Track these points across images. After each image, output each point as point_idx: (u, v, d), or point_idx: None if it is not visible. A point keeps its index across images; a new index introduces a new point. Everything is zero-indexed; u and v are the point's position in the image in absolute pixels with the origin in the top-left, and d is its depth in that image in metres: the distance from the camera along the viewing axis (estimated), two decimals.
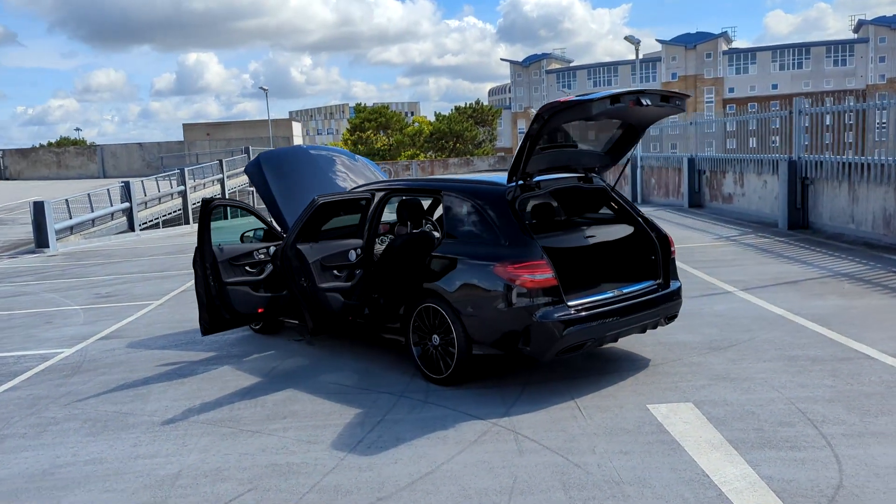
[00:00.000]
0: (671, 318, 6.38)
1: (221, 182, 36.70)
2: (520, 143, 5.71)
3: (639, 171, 24.99)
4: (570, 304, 5.63)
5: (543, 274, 5.53)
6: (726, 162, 18.21)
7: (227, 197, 32.65)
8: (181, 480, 4.63)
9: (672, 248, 6.46)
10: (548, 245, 6.05)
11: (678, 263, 10.68)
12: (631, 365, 6.34)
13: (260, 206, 14.15)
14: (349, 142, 68.83)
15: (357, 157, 9.44)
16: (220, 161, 37.24)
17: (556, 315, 5.51)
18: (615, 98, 5.44)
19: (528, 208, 6.77)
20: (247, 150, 43.18)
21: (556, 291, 5.55)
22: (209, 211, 6.71)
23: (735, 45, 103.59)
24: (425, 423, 5.33)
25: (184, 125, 55.40)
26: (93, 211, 23.23)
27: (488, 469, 4.50)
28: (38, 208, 19.46)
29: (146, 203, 27.63)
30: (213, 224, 6.81)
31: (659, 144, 24.92)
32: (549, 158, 6.16)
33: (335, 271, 6.48)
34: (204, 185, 34.82)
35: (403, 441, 5.02)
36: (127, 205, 24.98)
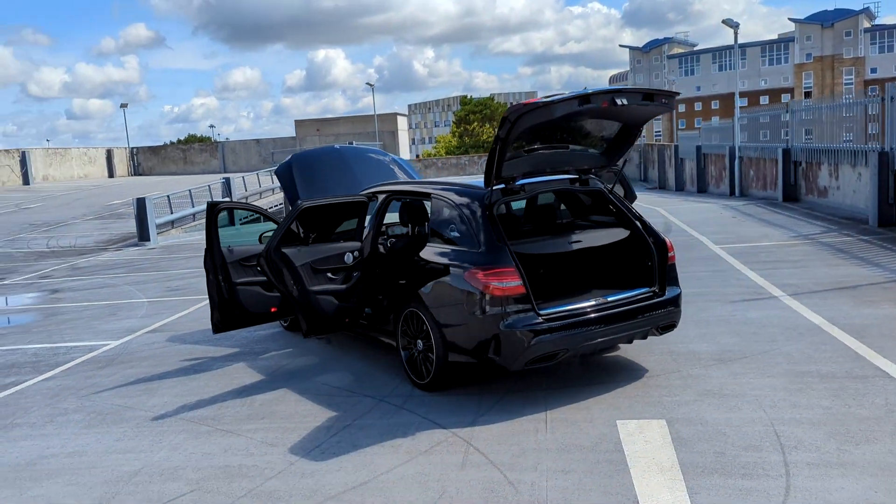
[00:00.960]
0: (666, 327, 6.05)
1: None
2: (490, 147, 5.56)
3: (737, 162, 23.73)
4: (542, 312, 5.45)
5: (511, 281, 5.37)
6: (821, 152, 16.99)
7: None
8: (138, 477, 4.84)
9: (670, 254, 6.10)
10: (528, 251, 5.88)
11: (737, 263, 10.20)
12: (626, 375, 6.06)
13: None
14: (455, 134, 69.26)
15: (389, 155, 9.49)
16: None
17: (524, 324, 5.34)
18: (584, 99, 5.20)
19: (513, 212, 6.60)
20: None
21: (525, 299, 5.38)
22: (215, 214, 6.95)
23: (879, 21, 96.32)
24: (388, 429, 5.31)
25: (295, 121, 57.53)
26: (193, 206, 24.55)
27: (421, 482, 4.44)
28: (140, 204, 20.78)
29: (247, 198, 28.91)
30: (243, 228, 7.05)
31: (768, 133, 23.43)
32: (535, 160, 5.97)
33: (329, 274, 6.56)
34: None
35: (358, 448, 5.04)
36: (227, 199, 26.23)
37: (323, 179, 8.47)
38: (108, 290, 13.14)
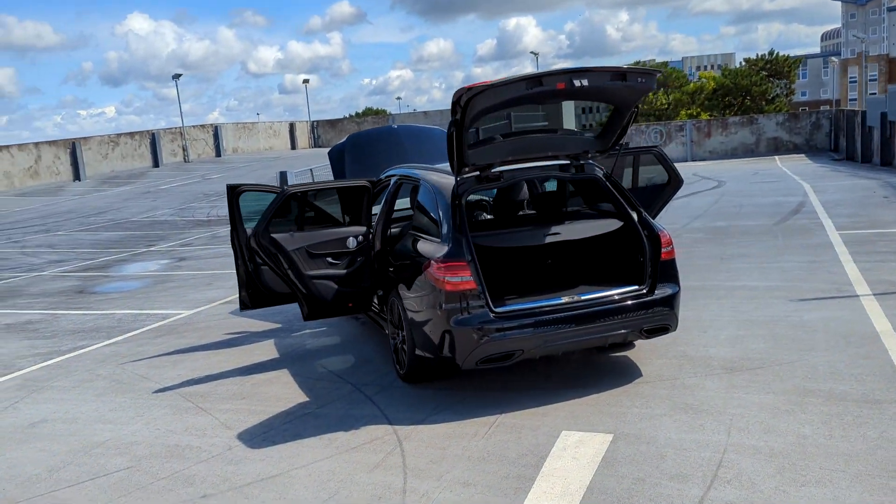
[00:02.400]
0: (654, 331, 5.46)
1: None
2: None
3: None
4: (499, 310, 5.12)
5: (463, 276, 5.10)
6: None
7: None
8: (98, 449, 5.17)
9: (665, 249, 5.48)
10: (499, 244, 5.54)
11: (843, 253, 9.01)
12: (613, 380, 5.57)
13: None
14: None
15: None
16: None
17: (475, 321, 5.06)
18: (535, 80, 4.75)
19: (510, 199, 6.20)
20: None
21: (477, 295, 5.09)
22: (237, 196, 7.17)
23: None
24: (339, 421, 5.28)
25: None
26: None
27: (322, 481, 4.37)
28: (283, 177, 22.01)
29: None
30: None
31: None
32: (515, 146, 5.58)
33: (330, 259, 6.57)
34: None
35: (298, 438, 5.05)
36: (250, 183, 27.15)
37: (374, 160, 8.47)
38: (223, 259, 14.08)
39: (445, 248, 5.25)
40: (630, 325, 5.30)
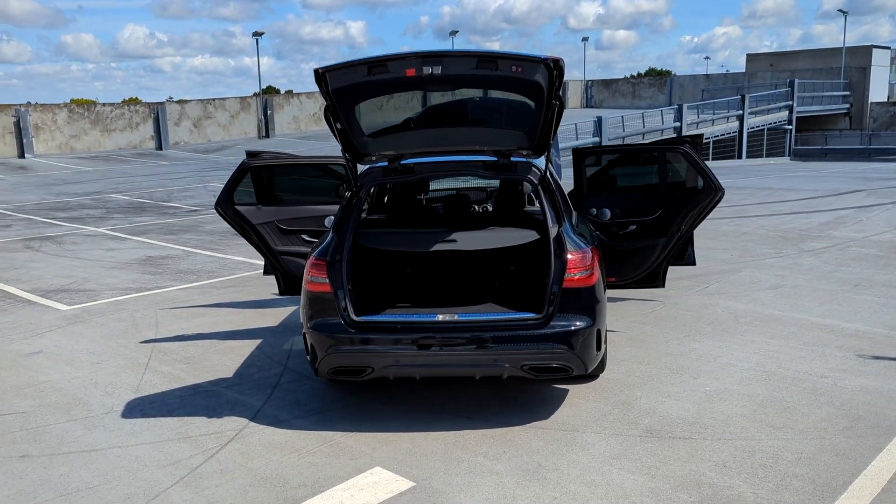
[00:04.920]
0: (544, 370, 4.52)
1: (740, 119, 34.43)
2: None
3: None
4: (359, 319, 4.60)
5: (319, 277, 4.65)
6: None
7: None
8: (28, 389, 5.66)
9: (571, 276, 4.47)
10: (381, 245, 4.94)
11: None
12: (515, 415, 4.76)
13: None
14: None
15: None
16: (743, 96, 34.81)
17: (327, 328, 4.60)
18: (379, 65, 4.07)
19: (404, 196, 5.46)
20: (791, 85, 39.11)
21: (331, 300, 4.61)
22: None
23: None
24: (215, 406, 5.19)
25: (747, 55, 52.81)
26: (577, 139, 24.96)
27: (114, 467, 4.33)
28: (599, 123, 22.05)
29: (622, 139, 28.10)
30: None
31: None
32: (430, 137, 4.90)
33: (306, 236, 6.42)
34: (713, 121, 33.27)
35: (163, 415, 5.05)
36: (597, 139, 25.94)
37: None
38: None
39: (323, 244, 4.84)
40: (509, 359, 4.46)
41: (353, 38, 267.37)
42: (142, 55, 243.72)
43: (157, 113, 36.51)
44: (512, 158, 4.93)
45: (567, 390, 5.18)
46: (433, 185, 6.60)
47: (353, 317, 4.60)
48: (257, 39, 45.60)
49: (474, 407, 4.97)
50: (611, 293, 7.48)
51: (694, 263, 7.01)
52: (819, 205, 14.29)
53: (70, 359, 6.33)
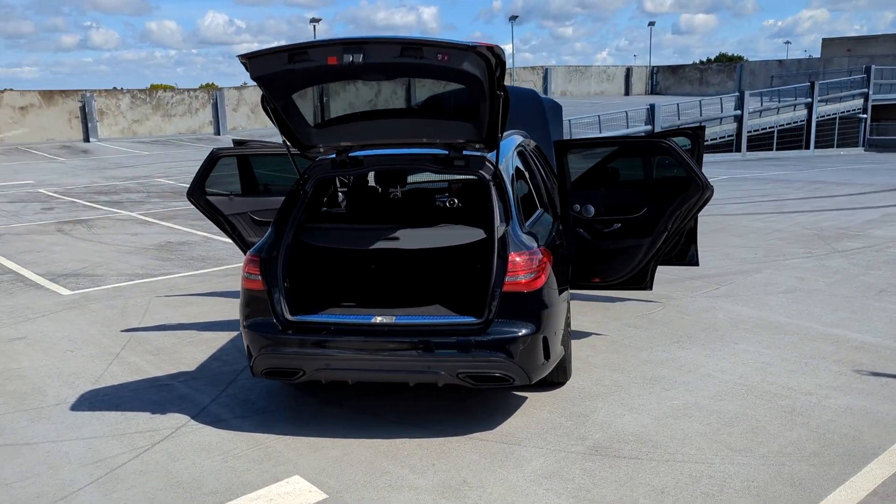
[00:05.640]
0: (483, 379, 4.23)
1: (809, 107, 32.86)
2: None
3: None
4: (293, 319, 4.40)
5: (253, 274, 4.48)
6: None
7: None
8: (13, 384, 5.71)
9: (513, 279, 4.16)
10: (320, 242, 4.72)
11: None
12: (465, 424, 4.51)
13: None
14: None
15: (543, 100, 8.15)
16: (812, 83, 33.19)
17: (259, 327, 4.43)
18: (298, 51, 3.84)
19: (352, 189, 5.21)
20: (867, 71, 37.09)
21: (264, 299, 4.42)
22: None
23: None
24: (163, 401, 5.09)
25: (823, 40, 50.37)
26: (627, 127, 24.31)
27: (38, 462, 4.27)
28: (651, 110, 21.60)
29: (678, 127, 27.12)
30: None
31: None
32: (379, 129, 4.65)
33: None
34: (778, 109, 31.83)
35: (109, 409, 4.99)
36: (649, 127, 25.12)
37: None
38: None
39: (260, 240, 4.67)
40: (444, 366, 4.19)
41: (426, 23, 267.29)
42: (221, 41, 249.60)
43: (215, 99, 37.17)
44: (465, 152, 4.64)
45: (525, 398, 4.89)
46: (410, 179, 6.36)
47: (288, 316, 4.41)
48: (314, 26, 45.94)
49: (423, 414, 4.73)
50: (613, 294, 7.18)
51: (697, 264, 6.60)
52: (869, 201, 13.40)
53: (47, 346, 6.35)
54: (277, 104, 4.39)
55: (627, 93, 58.82)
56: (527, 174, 5.71)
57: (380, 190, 5.65)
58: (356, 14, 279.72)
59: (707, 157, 25.50)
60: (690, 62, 64.60)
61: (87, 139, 33.73)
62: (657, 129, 25.42)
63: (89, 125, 33.64)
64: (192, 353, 6.06)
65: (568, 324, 5.31)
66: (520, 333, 4.16)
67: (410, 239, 4.61)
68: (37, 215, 14.04)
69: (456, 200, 5.48)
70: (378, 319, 4.36)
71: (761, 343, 5.85)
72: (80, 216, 13.86)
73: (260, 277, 4.46)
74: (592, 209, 5.80)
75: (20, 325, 6.95)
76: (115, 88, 35.59)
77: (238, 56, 3.96)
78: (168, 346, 6.26)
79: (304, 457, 4.22)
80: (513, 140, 5.43)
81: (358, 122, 4.66)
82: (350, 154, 4.77)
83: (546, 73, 52.74)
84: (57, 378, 5.58)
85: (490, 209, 4.45)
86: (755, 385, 5.01)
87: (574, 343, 5.86)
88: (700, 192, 5.41)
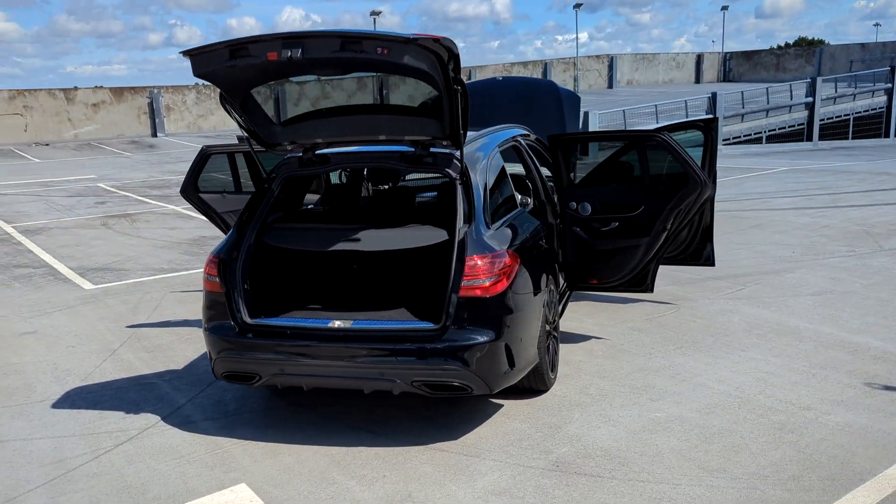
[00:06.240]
0: (439, 388, 4.03)
1: (889, 93, 31.10)
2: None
3: None
4: (252, 322, 4.31)
5: (212, 276, 4.40)
6: None
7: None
8: (9, 379, 5.84)
9: (469, 283, 3.95)
10: (280, 243, 4.60)
11: None
12: (425, 433, 4.34)
13: None
14: None
15: (559, 90, 7.87)
16: (892, 67, 31.38)
17: (218, 330, 4.35)
18: (239, 47, 3.71)
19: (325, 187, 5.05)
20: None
21: (223, 301, 4.34)
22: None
23: None
24: (140, 401, 5.09)
25: None
26: (666, 119, 23.55)
27: (18, 479, 4.32)
28: (713, 99, 21.13)
29: (743, 117, 26.05)
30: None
31: None
32: (343, 126, 4.51)
33: None
34: (854, 96, 30.23)
35: (86, 407, 5.01)
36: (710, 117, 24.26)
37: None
38: None
39: (222, 241, 4.59)
40: (398, 374, 4.02)
41: (499, 13, 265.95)
42: None
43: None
44: (432, 150, 4.44)
45: (500, 406, 4.68)
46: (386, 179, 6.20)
47: (247, 319, 4.32)
48: (374, 19, 46.08)
49: (392, 421, 4.57)
50: (626, 295, 6.84)
51: (713, 264, 6.24)
52: None
53: (53, 341, 6.47)
54: (234, 101, 4.30)
55: (698, 80, 57.03)
56: (522, 169, 5.49)
57: (353, 189, 5.52)
58: (430, 6, 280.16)
59: (774, 147, 24.39)
60: (768, 47, 62.08)
61: (154, 134, 34.84)
62: (718, 116, 24.50)
63: (157, 120, 34.73)
64: (185, 351, 6.07)
65: (557, 328, 5.08)
66: (477, 341, 3.96)
67: (372, 240, 4.46)
68: (88, 209, 14.49)
69: (428, 199, 5.30)
70: (335, 324, 4.22)
71: (771, 350, 5.45)
72: (128, 210, 14.24)
73: (218, 279, 4.38)
74: (589, 207, 5.52)
75: (35, 319, 7.12)
76: (182, 85, 36.58)
77: (181, 52, 3.88)
78: (165, 343, 6.28)
79: (259, 463, 4.12)
80: (500, 135, 5.20)
81: (324, 118, 4.53)
82: (317, 152, 4.64)
83: (612, 62, 51.59)
84: (51, 374, 5.66)
85: (454, 209, 4.24)
86: (750, 397, 4.66)
87: (570, 347, 5.61)
88: (698, 189, 5.08)
